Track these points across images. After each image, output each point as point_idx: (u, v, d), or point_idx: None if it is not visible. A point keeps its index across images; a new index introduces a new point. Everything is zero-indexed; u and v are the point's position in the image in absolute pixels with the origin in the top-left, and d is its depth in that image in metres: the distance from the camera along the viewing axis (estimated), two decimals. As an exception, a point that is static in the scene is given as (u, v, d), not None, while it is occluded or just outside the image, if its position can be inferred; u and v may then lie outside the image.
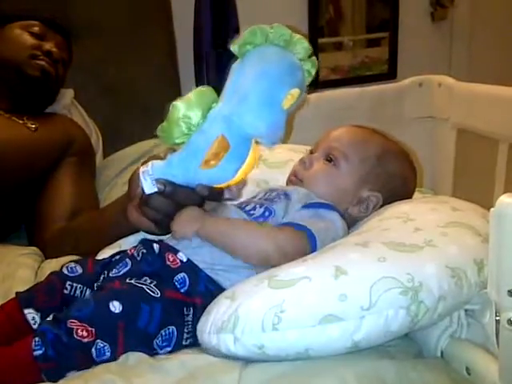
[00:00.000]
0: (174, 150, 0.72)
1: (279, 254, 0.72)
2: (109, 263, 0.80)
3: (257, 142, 0.72)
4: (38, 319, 0.74)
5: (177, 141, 0.70)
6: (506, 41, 2.32)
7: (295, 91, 0.69)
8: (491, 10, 2.30)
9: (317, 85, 2.24)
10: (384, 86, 1.49)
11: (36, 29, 1.26)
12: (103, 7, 1.57)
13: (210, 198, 0.75)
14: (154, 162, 0.72)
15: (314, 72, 0.74)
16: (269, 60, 0.70)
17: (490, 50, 2.26)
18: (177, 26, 1.73)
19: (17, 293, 0.77)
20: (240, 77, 0.70)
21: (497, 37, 2.29)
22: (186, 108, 0.68)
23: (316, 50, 2.08)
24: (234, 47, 0.70)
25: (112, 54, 1.54)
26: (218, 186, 0.73)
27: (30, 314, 0.74)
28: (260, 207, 0.81)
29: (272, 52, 0.70)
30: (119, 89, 1.53)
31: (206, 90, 0.71)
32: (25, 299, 0.76)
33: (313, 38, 2.07)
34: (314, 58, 0.74)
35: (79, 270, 0.79)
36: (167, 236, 0.82)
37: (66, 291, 0.77)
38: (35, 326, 0.73)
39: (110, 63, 1.54)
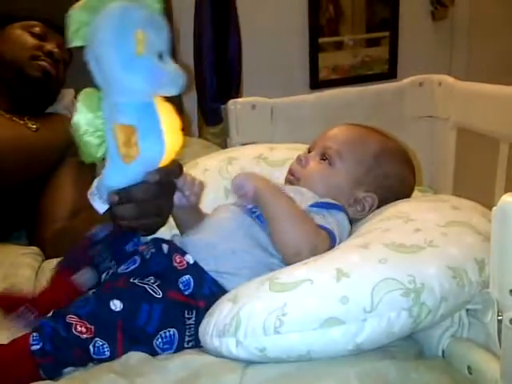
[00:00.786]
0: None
1: (310, 255, 0.72)
2: (122, 251, 0.79)
3: (173, 106, 0.68)
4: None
5: (99, 155, 0.68)
6: (505, 40, 2.32)
7: (138, 33, 0.64)
8: (491, 9, 2.30)
9: (317, 84, 2.26)
10: (384, 85, 1.49)
11: (37, 29, 1.27)
12: (103, 7, 1.56)
13: (166, 178, 0.72)
14: (96, 180, 0.70)
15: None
16: (99, 27, 0.64)
17: (490, 49, 2.27)
18: (177, 26, 1.73)
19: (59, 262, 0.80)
20: (94, 61, 0.65)
21: (497, 36, 2.30)
22: (82, 121, 0.66)
23: (316, 49, 2.08)
24: (72, 42, 0.65)
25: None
26: (163, 161, 0.69)
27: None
28: None
29: (100, 18, 0.65)
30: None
31: (86, 93, 0.68)
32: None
33: (313, 38, 2.07)
34: None
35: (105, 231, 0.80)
36: (171, 235, 0.83)
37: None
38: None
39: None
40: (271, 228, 0.76)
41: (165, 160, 0.68)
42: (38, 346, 0.64)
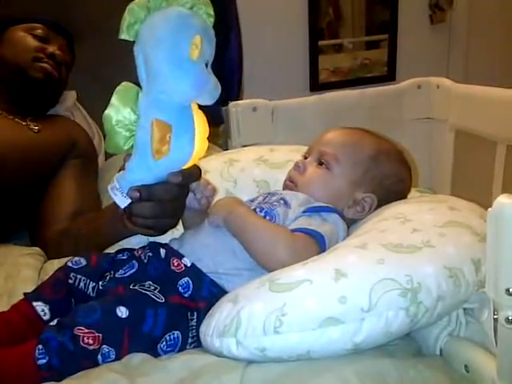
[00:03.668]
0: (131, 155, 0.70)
1: (295, 262, 0.72)
2: (114, 261, 0.80)
3: (203, 111, 0.70)
4: (47, 311, 0.75)
5: (125, 147, 0.68)
6: (503, 43, 2.33)
7: (196, 39, 0.66)
8: (489, 12, 2.31)
9: (317, 87, 2.26)
10: (383, 87, 1.50)
11: (39, 31, 1.27)
12: (105, 9, 1.57)
13: (186, 181, 0.73)
14: (118, 174, 0.71)
15: (210, 11, 0.70)
16: (156, 26, 0.66)
17: (487, 53, 2.27)
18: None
19: (25, 293, 0.78)
20: (143, 57, 0.67)
21: (494, 39, 2.30)
22: (115, 112, 0.67)
23: (316, 51, 2.09)
24: (123, 35, 0.67)
25: (114, 55, 1.54)
26: (187, 164, 0.70)
27: (39, 307, 0.75)
28: (260, 211, 0.81)
29: (157, 17, 0.67)
30: (121, 91, 1.53)
31: (125, 87, 0.69)
32: (32, 295, 0.77)
33: (313, 40, 2.08)
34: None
35: (83, 262, 0.80)
36: (169, 238, 0.83)
37: (70, 281, 0.78)
38: (46, 318, 0.75)
39: (112, 65, 1.54)
40: (246, 248, 0.76)
41: (189, 163, 0.70)
42: (45, 361, 0.63)
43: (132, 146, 0.68)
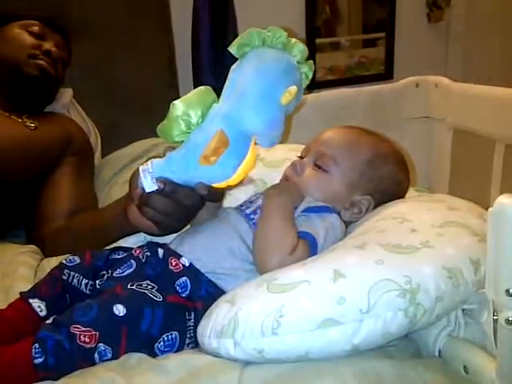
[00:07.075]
0: (174, 148, 0.71)
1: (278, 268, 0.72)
2: (109, 259, 0.80)
3: (256, 144, 0.72)
4: (43, 307, 0.76)
5: (176, 139, 0.70)
6: (501, 41, 2.34)
7: (293, 88, 0.70)
8: (487, 11, 2.31)
9: (314, 85, 2.26)
10: (381, 86, 1.49)
11: (35, 28, 1.27)
12: (102, 7, 1.57)
13: (209, 198, 0.74)
14: (154, 160, 0.72)
15: (310, 75, 0.75)
16: (267, 59, 0.70)
17: (485, 51, 2.28)
18: (175, 25, 1.73)
19: (21, 292, 0.78)
20: (239, 76, 0.70)
21: (492, 37, 2.31)
22: (186, 106, 0.68)
23: (313, 50, 2.08)
24: (232, 48, 0.71)
25: (111, 53, 1.55)
26: (218, 184, 0.72)
27: (36, 303, 0.75)
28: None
29: (270, 52, 0.71)
30: (118, 88, 1.54)
31: (206, 90, 0.71)
32: (28, 293, 0.78)
33: (310, 39, 2.08)
34: (310, 61, 0.75)
35: (77, 259, 0.81)
36: (170, 239, 0.83)
37: (64, 277, 0.78)
38: (43, 314, 0.75)
39: (108, 62, 1.54)
40: (253, 237, 0.78)
41: (221, 185, 0.72)
42: (41, 360, 0.63)
43: (181, 142, 0.70)
